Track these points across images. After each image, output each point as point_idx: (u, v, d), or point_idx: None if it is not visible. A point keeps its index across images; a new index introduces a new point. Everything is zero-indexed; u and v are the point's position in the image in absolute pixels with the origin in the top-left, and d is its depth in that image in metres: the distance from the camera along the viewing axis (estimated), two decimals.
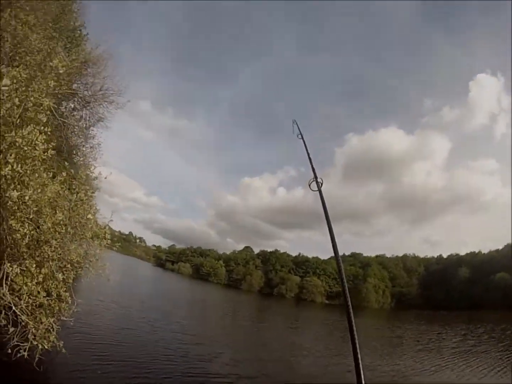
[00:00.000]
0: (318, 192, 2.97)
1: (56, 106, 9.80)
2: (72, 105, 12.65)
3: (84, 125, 12.90)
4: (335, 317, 42.50)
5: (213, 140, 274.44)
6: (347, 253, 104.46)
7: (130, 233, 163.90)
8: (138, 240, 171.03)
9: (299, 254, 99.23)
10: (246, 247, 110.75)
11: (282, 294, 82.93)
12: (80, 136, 13.12)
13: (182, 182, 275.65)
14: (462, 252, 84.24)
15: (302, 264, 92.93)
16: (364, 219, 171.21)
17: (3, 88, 4.74)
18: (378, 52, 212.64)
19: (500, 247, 75.37)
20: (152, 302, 21.70)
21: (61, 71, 6.04)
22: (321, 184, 2.90)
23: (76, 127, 12.52)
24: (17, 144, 4.52)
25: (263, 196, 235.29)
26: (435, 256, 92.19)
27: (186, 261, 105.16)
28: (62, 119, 10.96)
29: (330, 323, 32.81)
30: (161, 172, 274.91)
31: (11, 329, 5.20)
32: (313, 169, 3.24)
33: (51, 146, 5.36)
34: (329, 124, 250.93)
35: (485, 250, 79.63)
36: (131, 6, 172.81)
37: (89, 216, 6.11)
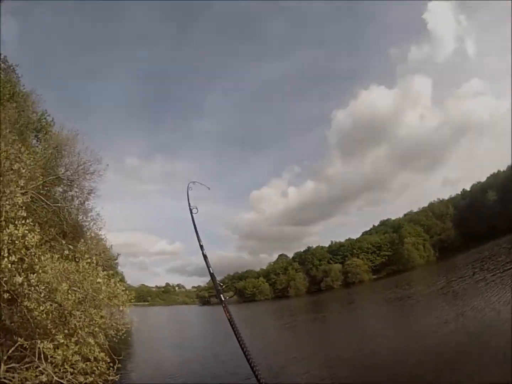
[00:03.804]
0: None
1: (46, 193, 11.12)
2: (61, 189, 13.74)
3: (78, 202, 14.04)
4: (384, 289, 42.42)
5: (209, 169, 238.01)
6: (376, 224, 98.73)
7: (167, 283, 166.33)
8: (177, 288, 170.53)
9: (332, 242, 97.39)
10: (280, 255, 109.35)
11: (330, 286, 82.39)
12: (79, 214, 14.42)
13: (196, 220, 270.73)
14: (483, 178, 75.48)
15: (338, 251, 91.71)
16: (380, 185, 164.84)
17: None
18: None
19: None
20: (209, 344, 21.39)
21: (23, 171, 6.82)
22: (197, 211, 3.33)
23: (72, 207, 13.66)
24: (5, 241, 5.35)
25: (278, 202, 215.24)
26: (459, 193, 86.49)
27: (228, 290, 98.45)
28: (55, 204, 11.89)
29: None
30: (172, 218, 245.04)
31: None
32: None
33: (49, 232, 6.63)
34: (309, 114, 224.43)
35: (503, 168, 70.06)
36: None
37: (99, 280, 6.84)
